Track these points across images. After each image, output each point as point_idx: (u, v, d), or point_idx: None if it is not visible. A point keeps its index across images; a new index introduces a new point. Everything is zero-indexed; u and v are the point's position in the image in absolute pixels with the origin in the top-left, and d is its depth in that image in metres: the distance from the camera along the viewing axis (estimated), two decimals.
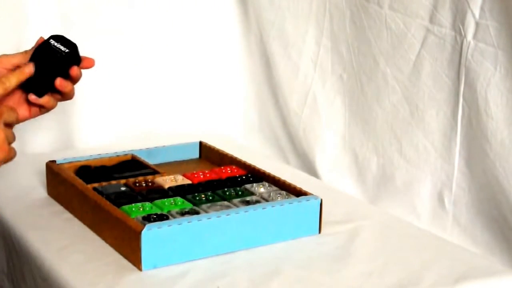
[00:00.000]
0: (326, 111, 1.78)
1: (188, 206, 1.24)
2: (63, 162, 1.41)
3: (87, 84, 1.69)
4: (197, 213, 1.21)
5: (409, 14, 1.52)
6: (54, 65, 1.23)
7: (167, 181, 1.36)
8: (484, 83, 1.40)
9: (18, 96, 1.23)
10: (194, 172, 1.41)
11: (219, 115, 1.97)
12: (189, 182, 1.36)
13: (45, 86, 1.24)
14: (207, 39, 1.90)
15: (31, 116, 1.25)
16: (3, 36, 1.66)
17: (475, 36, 1.40)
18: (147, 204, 1.24)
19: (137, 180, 1.35)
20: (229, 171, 1.42)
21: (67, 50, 1.23)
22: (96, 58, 1.75)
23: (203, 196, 1.28)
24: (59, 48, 1.24)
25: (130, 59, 1.81)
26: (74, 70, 1.24)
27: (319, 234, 1.26)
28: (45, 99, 1.23)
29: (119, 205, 1.22)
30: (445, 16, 1.45)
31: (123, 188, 1.32)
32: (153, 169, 1.42)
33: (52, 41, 1.25)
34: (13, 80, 1.20)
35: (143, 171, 1.41)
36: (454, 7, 1.43)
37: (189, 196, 1.28)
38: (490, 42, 1.38)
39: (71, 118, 1.74)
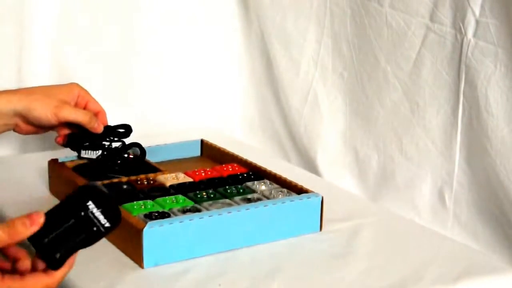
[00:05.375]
0: (327, 109, 1.78)
1: (190, 203, 1.24)
2: (65, 160, 1.41)
3: (87, 84, 1.69)
4: (199, 210, 1.21)
5: (409, 12, 1.52)
6: (80, 236, 0.91)
7: (169, 179, 1.36)
8: (484, 81, 1.40)
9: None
10: (196, 170, 1.41)
11: (220, 113, 1.97)
12: (190, 180, 1.37)
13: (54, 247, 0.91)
14: (208, 37, 1.91)
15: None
16: (4, 35, 1.66)
17: (475, 34, 1.41)
18: (149, 202, 1.24)
19: (138, 178, 1.36)
20: (230, 169, 1.42)
21: (107, 225, 0.90)
22: (96, 57, 1.77)
23: (204, 193, 1.28)
24: (98, 219, 0.90)
25: (130, 58, 1.82)
26: None
27: (320, 232, 1.27)
28: None
29: (120, 203, 1.22)
30: (446, 14, 1.46)
31: (124, 186, 1.32)
32: (155, 167, 1.42)
33: (91, 205, 0.90)
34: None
35: (145, 168, 1.42)
36: (454, 5, 1.44)
37: (191, 194, 1.28)
38: (490, 40, 1.38)
39: None
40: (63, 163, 1.40)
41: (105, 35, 1.77)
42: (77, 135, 1.36)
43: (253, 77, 1.95)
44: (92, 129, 1.33)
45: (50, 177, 1.42)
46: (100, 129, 1.34)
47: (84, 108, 1.35)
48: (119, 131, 1.39)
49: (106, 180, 1.34)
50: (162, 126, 1.86)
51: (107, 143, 1.39)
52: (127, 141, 1.40)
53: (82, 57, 1.76)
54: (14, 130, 1.30)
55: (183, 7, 1.85)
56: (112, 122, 1.38)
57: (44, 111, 1.27)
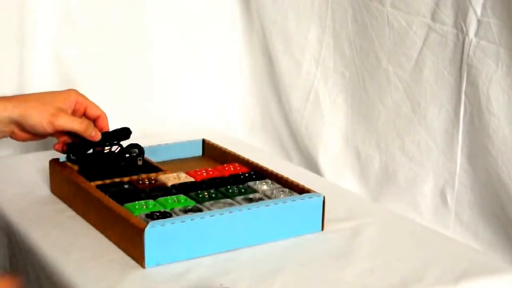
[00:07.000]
0: (328, 109, 1.78)
1: (191, 203, 1.24)
2: (66, 160, 1.41)
3: (88, 84, 1.69)
4: (200, 210, 1.21)
5: (411, 12, 1.52)
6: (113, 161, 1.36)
7: (170, 178, 1.36)
8: (486, 81, 1.40)
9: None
10: (197, 169, 1.41)
11: (221, 113, 1.97)
12: (192, 179, 1.37)
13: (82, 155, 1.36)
14: (209, 37, 1.91)
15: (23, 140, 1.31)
16: (4, 35, 1.66)
17: (477, 33, 1.41)
18: (150, 201, 1.24)
19: (140, 178, 1.36)
20: (232, 169, 1.42)
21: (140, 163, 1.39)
22: (97, 57, 1.77)
23: (206, 193, 1.28)
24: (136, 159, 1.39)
25: (132, 58, 1.82)
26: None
27: (322, 232, 1.27)
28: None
29: (122, 202, 1.22)
30: (447, 14, 1.46)
31: (126, 186, 1.32)
32: (156, 166, 1.42)
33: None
34: (73, 125, 1.27)
35: (146, 168, 1.42)
36: (456, 5, 1.44)
37: (192, 194, 1.28)
38: (492, 40, 1.38)
39: None
40: (64, 163, 1.40)
41: (106, 35, 1.77)
42: (76, 144, 1.34)
43: (255, 77, 1.95)
44: (89, 138, 1.30)
45: (51, 177, 1.42)
46: (97, 137, 1.32)
47: (84, 113, 1.34)
48: (118, 135, 1.37)
49: (108, 180, 1.34)
50: (163, 125, 1.86)
51: (106, 148, 1.38)
52: (127, 140, 1.40)
53: (83, 57, 1.76)
54: (11, 137, 1.29)
55: (184, 7, 1.85)
56: (112, 122, 1.38)
57: (39, 119, 1.25)
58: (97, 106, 1.34)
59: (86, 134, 1.30)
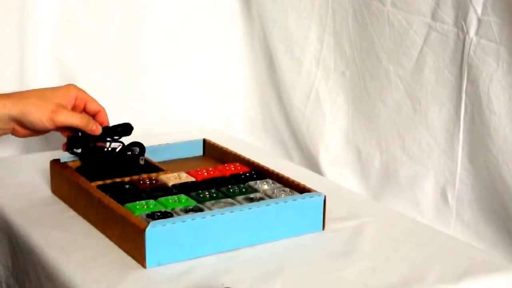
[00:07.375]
0: (329, 108, 1.78)
1: (192, 203, 1.24)
2: (67, 160, 1.41)
3: (88, 84, 1.69)
4: (201, 210, 1.21)
5: (411, 11, 1.52)
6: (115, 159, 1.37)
7: (171, 178, 1.36)
8: (486, 80, 1.40)
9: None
10: (198, 169, 1.41)
11: (222, 113, 1.97)
12: (193, 179, 1.37)
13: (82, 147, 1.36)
14: (210, 36, 1.91)
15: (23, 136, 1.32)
16: (4, 35, 1.66)
17: (477, 32, 1.41)
18: (151, 201, 1.24)
19: (141, 178, 1.36)
20: (232, 168, 1.42)
21: (142, 162, 1.40)
22: (97, 57, 1.77)
23: (207, 193, 1.28)
24: (137, 157, 1.39)
25: (132, 57, 1.82)
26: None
27: (323, 231, 1.27)
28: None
29: (123, 202, 1.22)
30: (447, 13, 1.46)
31: (127, 186, 1.32)
32: (157, 166, 1.42)
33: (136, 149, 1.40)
34: (73, 120, 1.28)
35: (147, 168, 1.41)
36: (456, 4, 1.44)
37: (193, 194, 1.28)
38: (492, 39, 1.38)
39: None
40: (65, 164, 1.40)
41: (106, 35, 1.77)
42: (77, 138, 1.35)
43: (256, 76, 1.95)
44: (90, 132, 1.31)
45: (52, 177, 1.42)
46: (98, 131, 1.32)
47: (84, 108, 1.34)
48: (119, 131, 1.37)
49: (109, 180, 1.34)
50: (164, 125, 1.86)
51: (107, 144, 1.38)
52: (128, 139, 1.40)
53: (83, 57, 1.76)
54: (12, 134, 1.29)
55: (184, 7, 1.85)
56: (113, 122, 1.38)
57: (39, 116, 1.25)
58: (96, 101, 1.35)
59: (87, 128, 1.30)
